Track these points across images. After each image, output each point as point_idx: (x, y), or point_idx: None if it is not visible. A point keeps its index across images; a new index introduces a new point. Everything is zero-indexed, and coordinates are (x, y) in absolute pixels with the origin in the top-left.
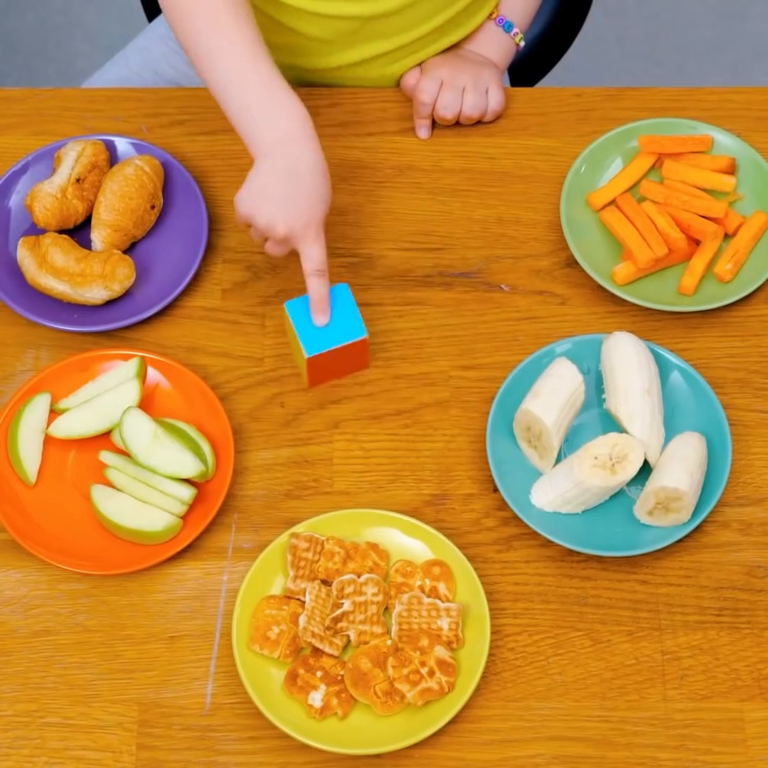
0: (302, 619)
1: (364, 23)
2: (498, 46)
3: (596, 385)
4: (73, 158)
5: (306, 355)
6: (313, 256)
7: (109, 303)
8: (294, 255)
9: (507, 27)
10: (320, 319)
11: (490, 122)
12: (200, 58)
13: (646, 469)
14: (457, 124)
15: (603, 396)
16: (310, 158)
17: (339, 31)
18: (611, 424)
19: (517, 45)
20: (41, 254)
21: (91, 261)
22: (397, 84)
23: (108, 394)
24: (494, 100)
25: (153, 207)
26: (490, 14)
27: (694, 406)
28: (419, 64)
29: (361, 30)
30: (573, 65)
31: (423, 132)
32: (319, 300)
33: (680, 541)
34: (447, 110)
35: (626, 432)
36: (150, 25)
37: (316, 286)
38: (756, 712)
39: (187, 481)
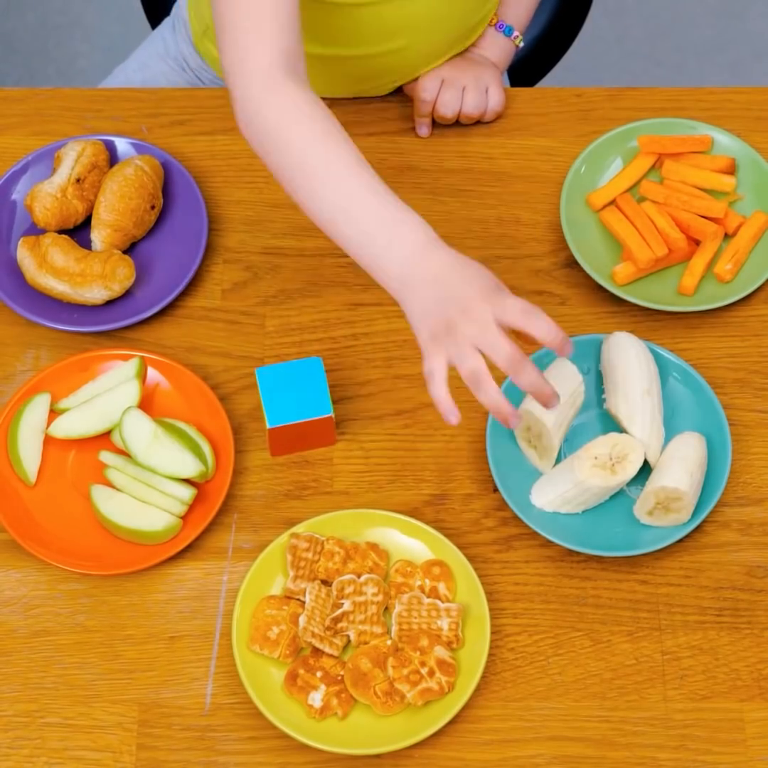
0: (302, 619)
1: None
2: (499, 49)
3: (596, 385)
4: (73, 158)
5: (268, 426)
6: (511, 306)
7: (109, 303)
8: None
9: (507, 31)
10: (551, 403)
11: (490, 122)
12: (300, 188)
13: (646, 469)
14: (457, 123)
15: (603, 396)
16: (448, 258)
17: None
18: (611, 424)
19: (517, 46)
20: (41, 254)
21: (91, 261)
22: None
23: (108, 394)
24: (494, 99)
25: (153, 207)
26: (489, 20)
27: (694, 406)
28: None
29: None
30: (573, 65)
31: (423, 130)
32: (531, 391)
33: (680, 541)
34: (447, 109)
35: (626, 432)
36: (149, 38)
37: (522, 381)
38: (756, 712)
39: (187, 481)
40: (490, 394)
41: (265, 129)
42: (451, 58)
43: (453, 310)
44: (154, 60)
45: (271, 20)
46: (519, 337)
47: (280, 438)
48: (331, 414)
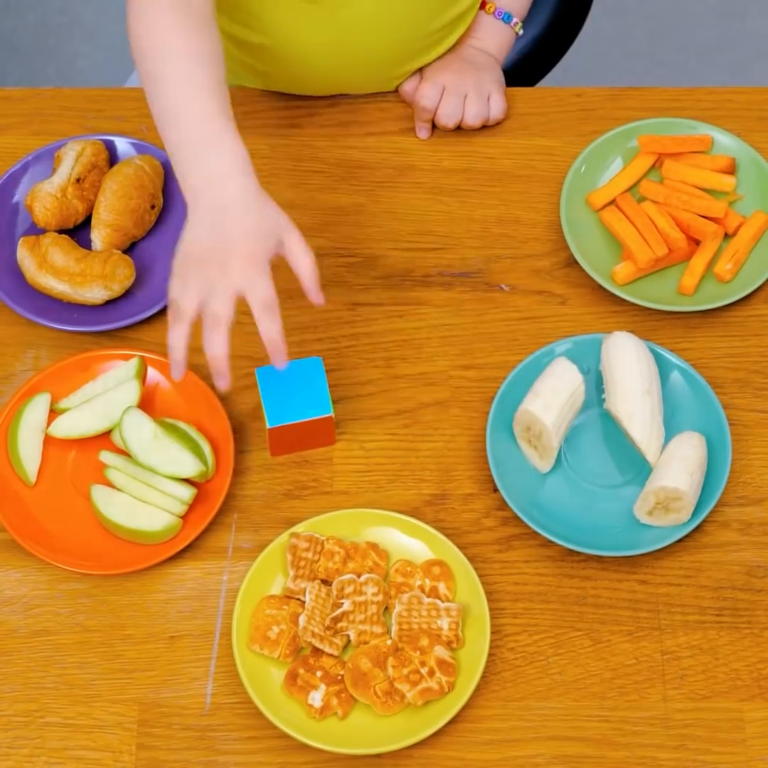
0: (302, 619)
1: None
2: (498, 38)
3: (596, 385)
4: (73, 158)
5: (268, 425)
6: (256, 291)
7: (109, 303)
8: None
9: (506, 18)
10: (278, 361)
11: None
12: (148, 86)
13: (646, 469)
14: (457, 127)
15: (603, 396)
16: (243, 195)
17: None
18: (611, 424)
19: (517, 34)
20: (41, 254)
21: (91, 261)
22: (396, 89)
23: (108, 394)
24: (496, 107)
25: (153, 207)
26: (487, 7)
27: (694, 406)
28: (419, 70)
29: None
30: (573, 65)
31: (423, 133)
32: (269, 340)
33: (680, 541)
34: (449, 119)
35: (626, 432)
36: None
37: (265, 324)
38: (756, 712)
39: (187, 480)
40: (178, 336)
41: (138, 34)
42: (450, 58)
43: (215, 254)
44: None
45: None
46: None
47: (280, 438)
48: (331, 414)
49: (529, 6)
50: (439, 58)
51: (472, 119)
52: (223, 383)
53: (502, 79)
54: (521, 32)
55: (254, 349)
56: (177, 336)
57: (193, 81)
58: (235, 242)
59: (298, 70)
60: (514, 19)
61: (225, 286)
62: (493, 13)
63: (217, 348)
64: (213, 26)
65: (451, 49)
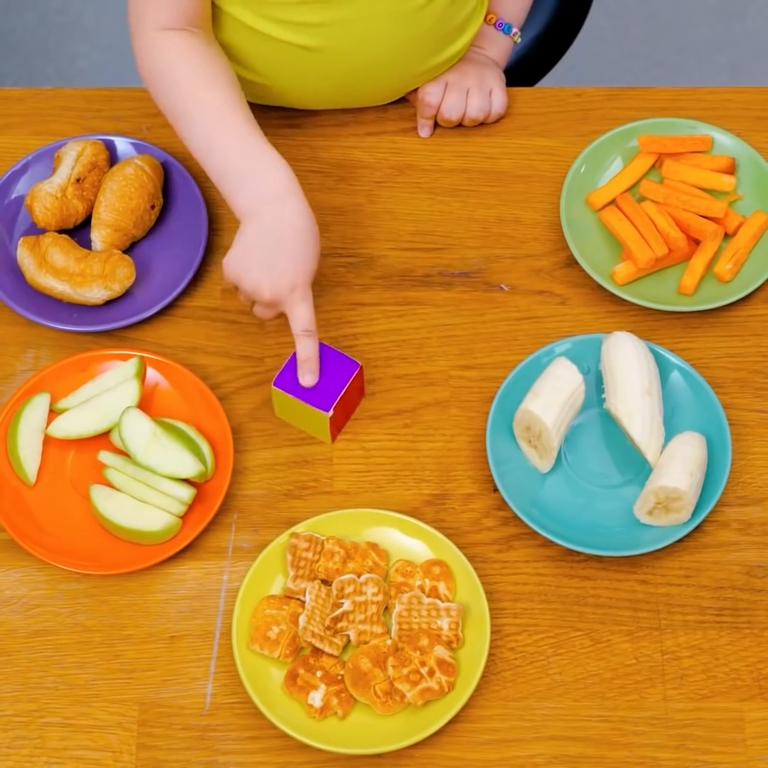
0: (302, 619)
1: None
2: (498, 48)
3: (596, 385)
4: (73, 158)
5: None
6: (300, 316)
7: (109, 303)
8: (283, 316)
9: (506, 29)
10: (309, 378)
11: (491, 123)
12: (179, 122)
13: (646, 469)
14: (458, 125)
15: (603, 396)
16: (295, 217)
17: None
18: (611, 424)
19: (515, 43)
20: (41, 254)
21: (91, 261)
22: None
23: (107, 394)
24: (498, 101)
25: (153, 207)
26: (488, 18)
27: (694, 406)
28: None
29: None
30: (573, 65)
31: (425, 131)
32: (307, 359)
33: (680, 541)
34: (452, 112)
35: (626, 432)
36: None
37: (305, 347)
38: (756, 712)
39: (186, 481)
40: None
41: (157, 70)
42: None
43: (264, 275)
44: None
45: None
46: None
47: (335, 420)
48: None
49: (527, 13)
50: None
51: (475, 112)
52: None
53: (503, 77)
54: (519, 41)
55: (254, 349)
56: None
57: (220, 108)
58: (283, 268)
59: (296, 103)
60: (514, 30)
61: (272, 312)
62: (494, 24)
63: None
64: (219, 49)
65: None
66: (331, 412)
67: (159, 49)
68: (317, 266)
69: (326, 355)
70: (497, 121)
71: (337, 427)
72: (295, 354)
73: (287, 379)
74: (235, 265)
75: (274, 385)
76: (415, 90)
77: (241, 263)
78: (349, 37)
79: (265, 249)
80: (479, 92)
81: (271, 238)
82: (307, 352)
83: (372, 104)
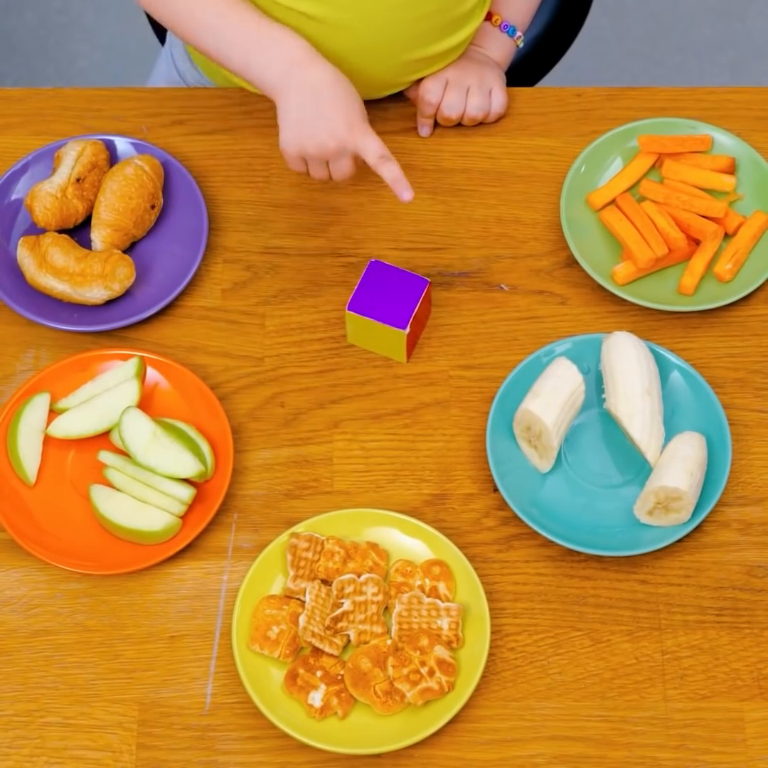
0: (302, 619)
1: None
2: (501, 49)
3: (596, 385)
4: (73, 158)
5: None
6: (369, 147)
7: (109, 303)
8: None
9: (511, 32)
10: (407, 195)
11: (491, 122)
12: (187, 27)
13: (646, 469)
14: (458, 124)
15: (603, 396)
16: (323, 73)
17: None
18: (611, 424)
19: (518, 46)
20: (41, 254)
21: (91, 261)
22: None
23: (107, 393)
24: (497, 101)
25: (153, 207)
26: (493, 19)
27: (694, 406)
28: None
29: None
30: (573, 65)
31: (425, 130)
32: (395, 180)
33: (680, 541)
34: (452, 110)
35: (626, 432)
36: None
37: (387, 170)
38: (756, 712)
39: (186, 481)
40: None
41: None
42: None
43: (323, 127)
44: (162, 65)
45: None
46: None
47: (410, 337)
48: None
49: (532, 18)
50: None
51: (475, 110)
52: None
53: (503, 77)
54: (522, 44)
55: (254, 349)
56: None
57: (223, 3)
58: (336, 114)
59: None
60: (518, 33)
61: (345, 157)
62: (499, 25)
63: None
64: None
65: None
66: (408, 329)
67: None
68: (363, 106)
69: (394, 275)
70: (497, 120)
71: (411, 347)
72: (364, 277)
73: (361, 302)
74: (292, 139)
75: (348, 309)
76: (416, 88)
77: (297, 132)
78: (351, 8)
79: (309, 108)
80: (479, 91)
81: (310, 98)
82: (392, 173)
83: (372, 93)
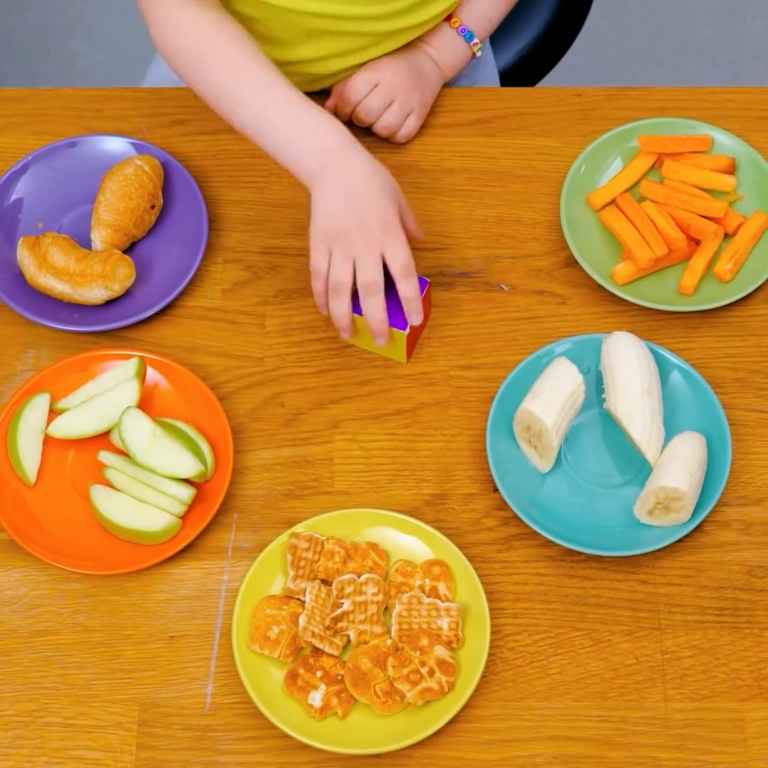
0: (302, 619)
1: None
2: (453, 54)
3: (596, 385)
4: None
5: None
6: (396, 256)
7: (109, 303)
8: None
9: (468, 37)
10: (415, 318)
11: (403, 143)
12: (221, 105)
13: (646, 469)
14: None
15: (603, 396)
16: (361, 162)
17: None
18: (611, 424)
19: (474, 55)
20: (41, 254)
21: (91, 261)
22: None
23: (107, 394)
24: (408, 128)
25: (153, 207)
26: (453, 22)
27: (694, 406)
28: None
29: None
30: (573, 65)
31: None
32: (409, 300)
33: (680, 540)
34: (368, 116)
35: (626, 432)
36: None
37: (407, 288)
38: (756, 712)
39: (186, 481)
40: (342, 306)
41: (186, 51)
42: (396, 59)
43: (353, 221)
44: (162, 64)
45: None
46: None
47: (410, 337)
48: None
49: (495, 27)
50: (388, 54)
51: (382, 129)
52: (382, 341)
53: (429, 102)
54: (480, 54)
55: (254, 349)
56: (340, 307)
57: (263, 83)
58: (369, 211)
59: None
60: (475, 40)
61: (372, 256)
62: (457, 28)
63: (378, 313)
64: (233, 18)
65: (403, 48)
66: (407, 329)
67: (186, 28)
68: (398, 196)
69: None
70: (403, 143)
71: (411, 346)
72: None
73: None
74: (319, 229)
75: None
76: (345, 81)
77: (328, 222)
78: None
79: (343, 199)
80: (398, 110)
81: (345, 188)
82: (408, 292)
83: (341, 65)
